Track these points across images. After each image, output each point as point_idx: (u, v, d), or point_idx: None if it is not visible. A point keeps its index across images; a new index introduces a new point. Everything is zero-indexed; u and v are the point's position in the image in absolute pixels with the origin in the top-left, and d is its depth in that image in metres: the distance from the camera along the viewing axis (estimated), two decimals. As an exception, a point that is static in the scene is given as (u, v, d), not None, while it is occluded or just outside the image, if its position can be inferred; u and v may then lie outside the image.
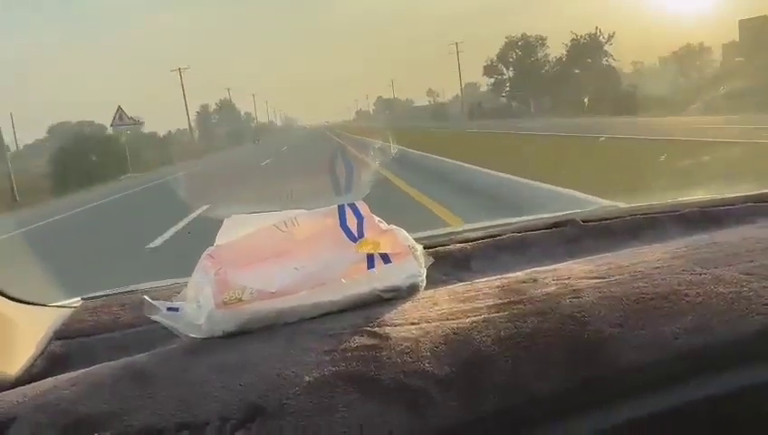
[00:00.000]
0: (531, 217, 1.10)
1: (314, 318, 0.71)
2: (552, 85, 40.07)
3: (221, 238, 0.76)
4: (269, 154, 23.95)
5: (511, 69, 46.62)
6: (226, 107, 66.63)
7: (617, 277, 0.67)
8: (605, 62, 39.37)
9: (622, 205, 1.10)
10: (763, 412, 0.51)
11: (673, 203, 1.07)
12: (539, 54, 45.08)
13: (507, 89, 47.67)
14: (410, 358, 0.56)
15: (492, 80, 47.97)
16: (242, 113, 70.59)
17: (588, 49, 39.82)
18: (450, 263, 0.92)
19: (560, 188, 6.76)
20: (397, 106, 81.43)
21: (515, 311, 0.62)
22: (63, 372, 0.67)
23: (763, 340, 0.52)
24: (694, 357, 0.51)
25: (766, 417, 0.51)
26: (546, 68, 44.09)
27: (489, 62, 47.59)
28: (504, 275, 0.79)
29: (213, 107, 64.20)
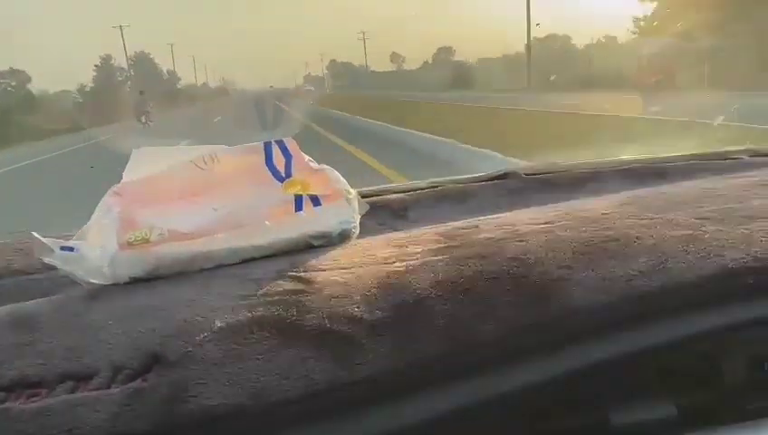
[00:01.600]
0: (471, 175, 1.05)
1: (234, 263, 0.64)
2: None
3: (129, 174, 0.67)
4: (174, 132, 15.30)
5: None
6: (142, 61, 56.78)
7: (563, 223, 0.63)
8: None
9: (566, 162, 1.07)
10: (716, 361, 0.48)
11: (617, 160, 1.04)
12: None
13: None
14: (338, 303, 0.50)
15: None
16: (164, 71, 61.48)
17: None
18: (387, 212, 0.86)
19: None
20: (353, 72, 75.86)
21: (455, 254, 0.57)
22: None
23: (723, 283, 0.48)
24: (650, 299, 0.47)
25: (716, 364, 0.47)
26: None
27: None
28: (444, 224, 0.73)
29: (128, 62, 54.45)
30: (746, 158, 1.00)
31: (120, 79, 53.83)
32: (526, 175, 0.97)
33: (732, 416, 0.47)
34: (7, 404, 0.42)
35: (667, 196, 0.70)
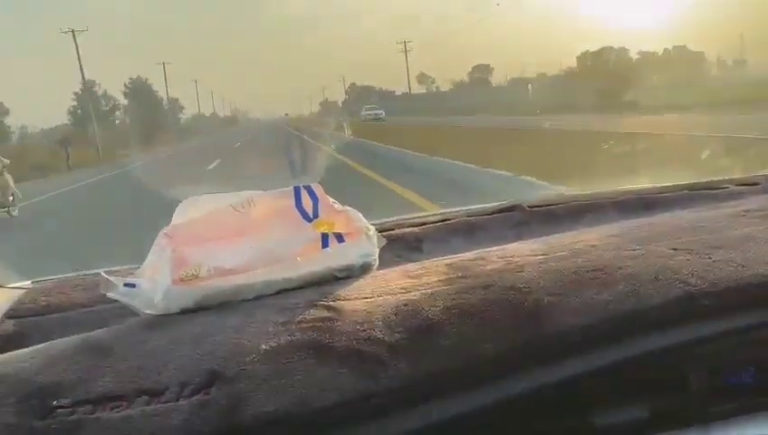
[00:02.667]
0: (480, 206, 1.14)
1: (270, 295, 0.73)
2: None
3: (177, 218, 0.78)
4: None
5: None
6: (139, 89, 48.24)
7: (558, 254, 0.72)
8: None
9: (566, 192, 1.16)
10: (682, 371, 0.56)
11: (613, 191, 1.13)
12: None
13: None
14: (362, 327, 0.59)
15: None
16: (164, 100, 51.82)
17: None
18: (402, 245, 0.95)
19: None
20: (373, 95, 66.82)
21: (462, 284, 0.66)
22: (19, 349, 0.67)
23: (685, 304, 0.57)
24: (623, 320, 0.56)
25: (682, 374, 0.56)
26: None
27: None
28: (454, 256, 0.82)
29: (123, 88, 47.25)
30: (732, 187, 1.08)
31: (106, 109, 46.21)
32: (530, 207, 1.06)
33: (698, 418, 0.56)
34: (97, 414, 0.51)
35: (650, 227, 0.79)
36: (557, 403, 0.55)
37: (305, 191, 0.80)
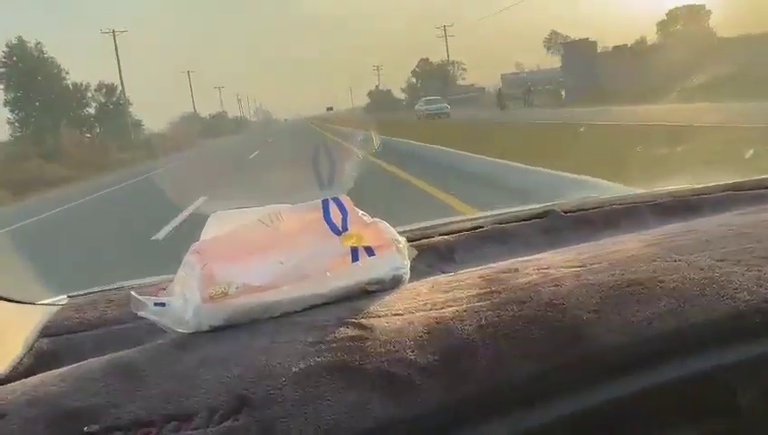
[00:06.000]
0: (512, 209, 1.12)
1: (300, 311, 0.72)
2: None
3: (206, 234, 0.77)
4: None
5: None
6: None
7: (595, 265, 0.69)
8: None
9: (601, 196, 1.12)
10: (731, 393, 0.53)
11: (651, 193, 1.10)
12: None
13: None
14: (394, 347, 0.58)
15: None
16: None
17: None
18: (434, 255, 0.93)
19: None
20: (386, 97, 56.88)
21: (496, 300, 0.64)
22: (51, 369, 0.67)
23: (733, 323, 0.54)
24: (666, 340, 0.53)
25: (734, 397, 0.53)
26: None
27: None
28: (487, 266, 0.80)
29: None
30: None
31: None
32: (565, 212, 1.03)
33: None
34: None
35: (693, 234, 0.76)
36: (598, 428, 0.52)
37: (334, 204, 0.79)
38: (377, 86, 61.73)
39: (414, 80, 56.89)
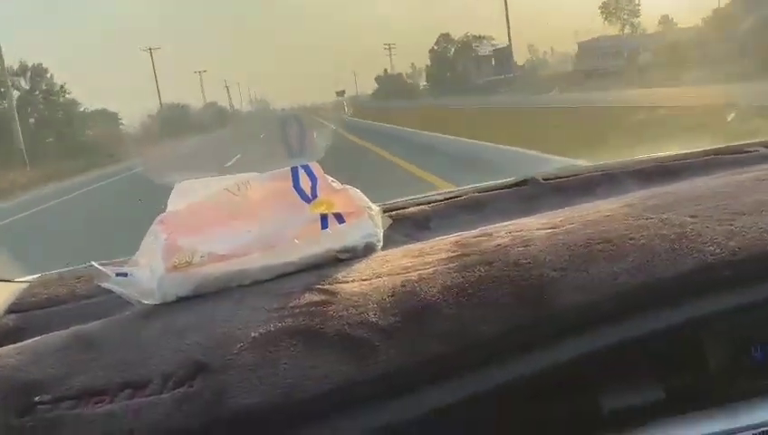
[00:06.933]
0: (491, 182, 1.10)
1: (268, 280, 0.71)
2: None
3: (172, 204, 0.75)
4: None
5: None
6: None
7: (567, 226, 0.67)
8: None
9: (581, 163, 1.11)
10: (699, 347, 0.52)
11: (631, 160, 1.08)
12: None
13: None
14: (357, 311, 0.56)
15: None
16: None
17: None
18: (410, 224, 0.92)
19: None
20: (399, 83, 46.89)
21: (465, 262, 0.62)
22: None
23: (702, 276, 0.52)
24: (633, 295, 0.52)
25: (701, 351, 0.52)
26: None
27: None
28: (462, 233, 0.79)
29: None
30: (762, 150, 1.02)
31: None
32: (544, 180, 1.01)
33: (718, 399, 0.51)
34: (78, 410, 0.49)
35: (668, 195, 0.74)
36: (562, 386, 0.51)
37: (303, 171, 0.77)
38: (386, 70, 49.86)
39: (429, 63, 46.21)
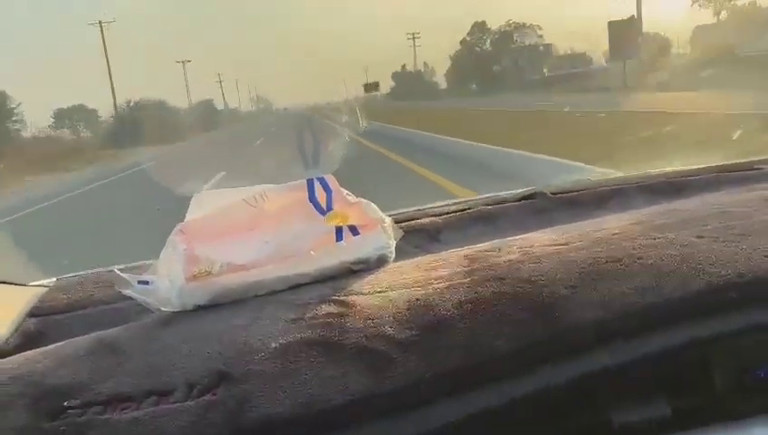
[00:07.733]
0: (502, 193, 1.12)
1: (284, 290, 0.73)
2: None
3: (191, 214, 0.77)
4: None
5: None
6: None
7: (577, 244, 0.69)
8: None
9: (591, 177, 1.12)
10: (706, 368, 0.53)
11: (641, 175, 1.10)
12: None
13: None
14: (373, 323, 0.58)
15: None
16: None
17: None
18: (421, 235, 0.94)
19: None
20: (419, 80, 41.56)
21: (477, 277, 0.64)
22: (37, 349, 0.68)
23: (708, 297, 0.54)
24: (641, 315, 0.53)
25: (707, 370, 0.53)
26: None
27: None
28: (472, 246, 0.80)
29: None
30: (766, 168, 1.03)
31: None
32: (553, 194, 1.03)
33: (723, 417, 0.53)
34: (107, 415, 0.51)
35: (675, 213, 0.76)
36: (573, 402, 0.53)
37: (318, 183, 0.79)
38: (403, 66, 43.15)
39: (455, 57, 38.35)
